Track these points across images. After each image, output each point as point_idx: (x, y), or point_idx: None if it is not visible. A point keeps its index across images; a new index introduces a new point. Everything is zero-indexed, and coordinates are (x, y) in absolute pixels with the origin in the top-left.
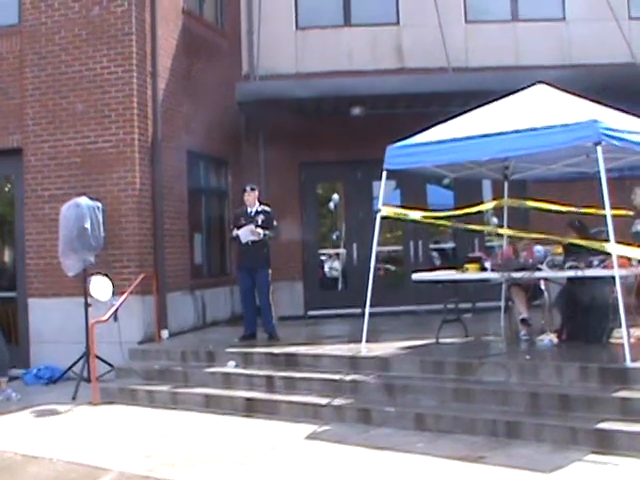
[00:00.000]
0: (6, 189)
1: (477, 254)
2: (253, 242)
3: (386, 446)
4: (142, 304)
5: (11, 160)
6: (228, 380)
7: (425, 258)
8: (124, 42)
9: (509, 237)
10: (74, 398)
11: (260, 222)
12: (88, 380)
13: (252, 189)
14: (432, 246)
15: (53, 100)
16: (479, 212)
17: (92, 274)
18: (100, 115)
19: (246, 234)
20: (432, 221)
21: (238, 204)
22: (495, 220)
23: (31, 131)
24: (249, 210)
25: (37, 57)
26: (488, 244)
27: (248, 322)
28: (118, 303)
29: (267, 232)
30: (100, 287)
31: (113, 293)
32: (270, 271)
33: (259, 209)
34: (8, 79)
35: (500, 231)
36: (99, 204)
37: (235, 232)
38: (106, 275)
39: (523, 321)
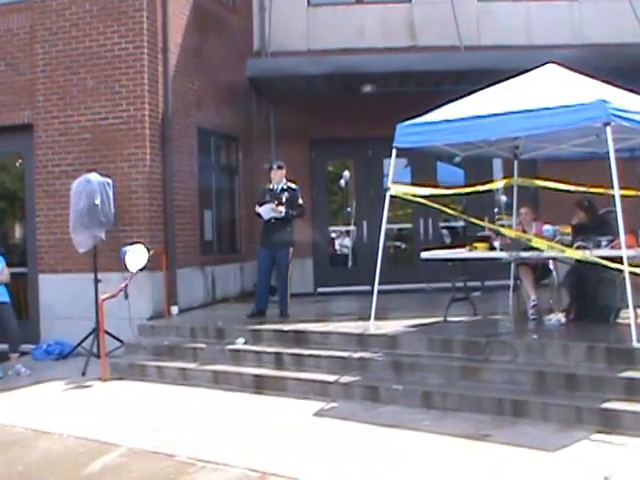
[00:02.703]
0: (17, 165)
1: (486, 233)
2: (276, 220)
3: (393, 424)
4: (152, 280)
5: (22, 136)
6: (237, 357)
7: (435, 236)
8: (135, 18)
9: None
10: (84, 374)
11: (284, 200)
12: (98, 356)
13: (279, 167)
14: (442, 224)
15: (64, 76)
16: (489, 191)
17: (131, 243)
18: (111, 91)
19: (267, 211)
20: (438, 207)
21: (248, 181)
22: (504, 198)
23: (42, 107)
24: (274, 187)
25: (48, 33)
26: (498, 223)
27: (260, 299)
28: (128, 279)
29: (290, 210)
30: (136, 257)
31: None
32: (291, 250)
33: (285, 186)
34: (19, 55)
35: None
36: (109, 180)
37: (257, 209)
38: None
39: (534, 306)
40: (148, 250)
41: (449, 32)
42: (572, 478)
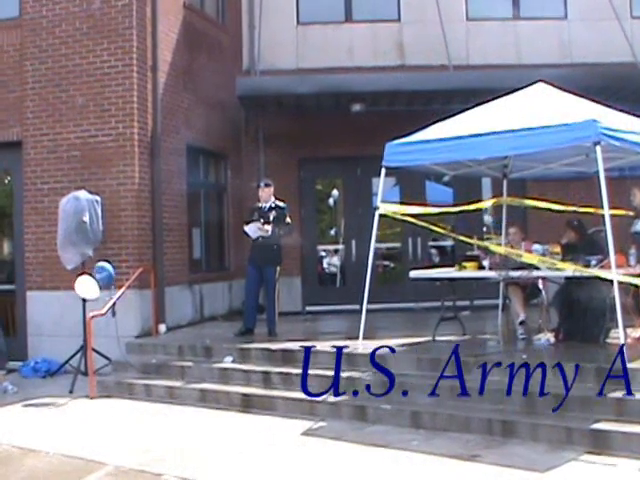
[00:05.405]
0: (6, 182)
1: (475, 252)
2: (264, 238)
3: (381, 443)
4: (140, 298)
5: (11, 153)
6: (225, 375)
7: (424, 255)
8: (125, 36)
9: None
10: (71, 391)
11: (272, 218)
12: (85, 373)
13: (266, 185)
14: (431, 243)
15: (53, 93)
16: (478, 210)
17: (81, 273)
18: (100, 109)
19: (254, 230)
20: (427, 226)
21: (237, 199)
22: (492, 218)
23: (31, 124)
24: (262, 205)
25: (38, 50)
26: (487, 242)
27: (248, 318)
28: (116, 297)
29: (278, 229)
30: (86, 286)
31: (103, 289)
32: (278, 269)
33: (273, 205)
34: (8, 72)
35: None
36: (98, 198)
37: (245, 227)
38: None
39: (522, 323)
40: (113, 268)
41: (438, 51)
42: None
